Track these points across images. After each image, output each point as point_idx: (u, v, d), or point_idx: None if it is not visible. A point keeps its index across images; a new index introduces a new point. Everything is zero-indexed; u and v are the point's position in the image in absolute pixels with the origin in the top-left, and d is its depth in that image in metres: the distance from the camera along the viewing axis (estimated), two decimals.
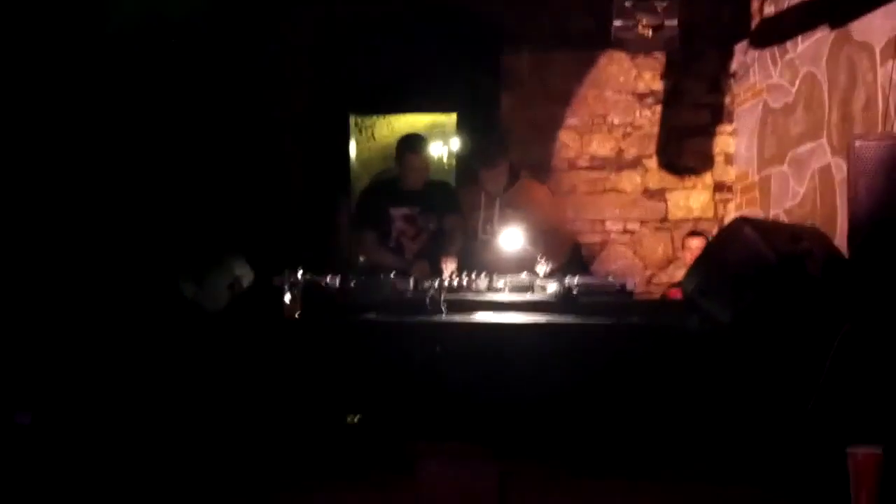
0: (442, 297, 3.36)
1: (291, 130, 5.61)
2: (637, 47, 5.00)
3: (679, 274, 5.22)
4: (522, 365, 3.02)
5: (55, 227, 4.13)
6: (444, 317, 3.31)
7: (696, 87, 5.52)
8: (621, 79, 5.58)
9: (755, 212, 5.05)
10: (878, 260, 2.73)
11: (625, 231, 5.58)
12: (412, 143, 4.54)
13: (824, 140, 4.27)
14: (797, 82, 4.59)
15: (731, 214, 5.34)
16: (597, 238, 5.58)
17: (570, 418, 2.95)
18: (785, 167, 4.74)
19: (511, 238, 3.99)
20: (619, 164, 5.59)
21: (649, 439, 2.87)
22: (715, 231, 5.21)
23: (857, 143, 2.87)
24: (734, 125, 5.48)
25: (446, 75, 5.51)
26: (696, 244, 5.04)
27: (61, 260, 3.92)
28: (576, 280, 3.50)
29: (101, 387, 3.05)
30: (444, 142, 6.87)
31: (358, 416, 3.07)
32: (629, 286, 3.59)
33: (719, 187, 5.53)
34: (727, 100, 5.49)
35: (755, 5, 5.15)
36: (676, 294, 4.61)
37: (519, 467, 2.77)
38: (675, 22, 4.37)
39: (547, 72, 5.57)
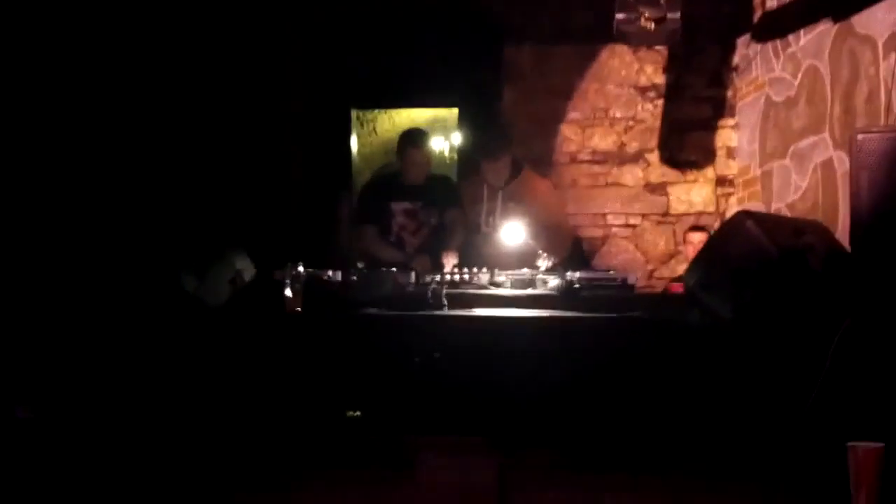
0: (443, 292, 3.36)
1: (293, 125, 5.61)
2: (639, 40, 4.98)
3: (680, 268, 5.21)
4: (523, 359, 3.03)
5: (56, 222, 4.12)
6: (446, 311, 3.31)
7: (697, 81, 5.50)
8: (623, 72, 5.57)
9: (757, 206, 5.04)
10: (879, 254, 2.73)
11: (626, 225, 5.57)
12: (414, 138, 4.53)
13: (826, 134, 4.27)
14: (799, 76, 4.58)
15: (732, 208, 5.33)
16: (598, 232, 5.58)
17: (570, 412, 2.96)
18: (787, 161, 4.73)
19: (512, 232, 3.99)
20: (620, 158, 5.57)
21: (650, 433, 2.87)
22: (716, 225, 5.21)
23: (860, 137, 2.86)
24: (736, 119, 5.47)
25: (448, 69, 5.50)
26: (698, 238, 5.03)
27: (62, 255, 3.92)
28: (577, 274, 3.50)
29: (102, 381, 3.06)
30: (445, 136, 6.86)
31: (358, 412, 3.07)
32: (630, 280, 3.60)
33: (721, 181, 5.52)
34: (729, 93, 5.48)
35: None
36: (678, 288, 4.60)
37: (519, 461, 2.77)
38: (677, 15, 4.36)
39: (548, 66, 5.56)
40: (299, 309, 3.28)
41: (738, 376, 2.83)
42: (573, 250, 4.77)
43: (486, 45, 5.55)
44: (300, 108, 5.65)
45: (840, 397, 2.56)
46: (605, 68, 5.57)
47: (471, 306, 3.37)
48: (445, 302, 3.34)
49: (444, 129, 6.76)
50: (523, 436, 2.89)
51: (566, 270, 3.55)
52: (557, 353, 3.03)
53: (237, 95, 5.31)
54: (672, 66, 5.51)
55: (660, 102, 5.53)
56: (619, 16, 4.41)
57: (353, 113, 6.38)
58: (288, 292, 3.26)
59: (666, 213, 5.55)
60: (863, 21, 3.91)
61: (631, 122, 5.57)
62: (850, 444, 2.27)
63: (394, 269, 3.66)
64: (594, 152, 5.59)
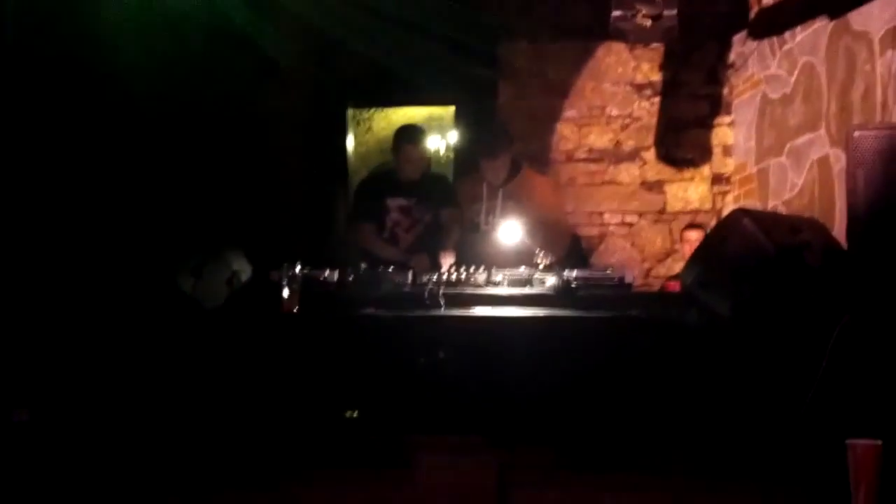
0: (441, 292, 3.35)
1: (289, 124, 5.60)
2: (635, 38, 4.98)
3: (677, 266, 5.21)
4: (521, 358, 3.02)
5: (53, 224, 4.11)
6: (443, 311, 3.30)
7: (694, 78, 5.51)
8: (619, 70, 5.57)
9: (753, 203, 5.04)
10: (877, 250, 2.73)
11: (623, 223, 5.57)
12: (409, 134, 4.53)
13: (823, 131, 4.26)
14: (795, 73, 4.58)
15: (729, 206, 5.33)
16: (595, 231, 5.58)
17: (569, 411, 2.95)
18: (783, 158, 4.73)
19: (510, 230, 3.98)
20: (617, 156, 5.57)
21: (649, 432, 2.87)
22: (713, 223, 5.20)
23: (856, 134, 2.86)
24: (732, 116, 5.47)
25: (444, 68, 5.49)
26: (695, 236, 5.03)
27: (59, 256, 3.90)
28: (574, 273, 3.49)
29: (100, 382, 3.05)
30: (441, 135, 6.86)
31: (357, 412, 3.07)
32: (627, 279, 3.59)
33: (717, 179, 5.52)
34: (725, 91, 5.48)
35: None
36: (675, 287, 4.60)
37: (518, 460, 2.77)
38: (673, 12, 4.36)
39: (545, 63, 5.56)
40: (296, 309, 3.27)
41: (737, 374, 2.83)
42: (572, 248, 4.77)
43: (482, 43, 5.55)
44: (296, 108, 5.64)
45: (839, 394, 2.56)
46: (602, 66, 5.57)
47: (468, 306, 3.36)
48: (443, 302, 3.33)
49: (441, 128, 6.77)
50: (522, 435, 2.88)
51: (565, 268, 3.54)
52: (555, 353, 3.03)
53: (232, 95, 5.30)
54: (668, 64, 5.51)
55: (656, 100, 5.53)
56: (616, 13, 4.41)
57: (349, 112, 6.38)
58: (285, 292, 3.25)
59: (662, 211, 5.56)
60: (859, 18, 3.91)
61: (627, 120, 5.57)
62: (849, 441, 2.27)
63: (391, 268, 3.65)
64: (591, 150, 5.59)
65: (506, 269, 3.63)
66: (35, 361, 3.07)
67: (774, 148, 4.85)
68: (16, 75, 4.09)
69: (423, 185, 4.48)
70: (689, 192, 5.55)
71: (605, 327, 3.13)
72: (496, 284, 3.55)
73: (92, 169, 4.50)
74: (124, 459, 2.86)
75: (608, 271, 3.73)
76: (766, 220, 2.98)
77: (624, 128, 5.57)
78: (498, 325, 3.18)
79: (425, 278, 3.52)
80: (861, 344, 2.61)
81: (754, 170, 5.13)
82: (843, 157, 3.51)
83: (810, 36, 4.40)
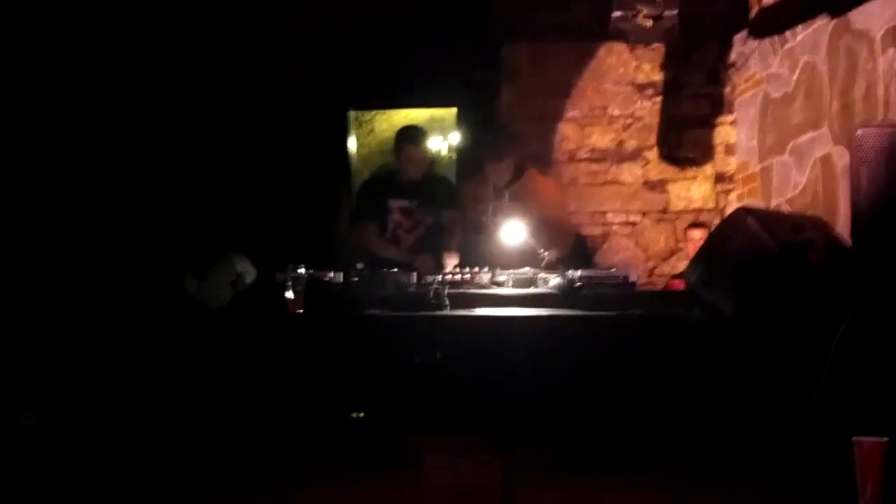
0: (445, 292, 3.36)
1: (291, 126, 5.60)
2: (636, 38, 4.98)
3: (681, 265, 5.22)
4: (525, 358, 3.02)
5: (58, 226, 4.12)
6: (448, 311, 3.31)
7: (695, 78, 5.51)
8: (621, 70, 5.57)
9: (756, 202, 5.04)
10: (880, 248, 2.73)
11: (626, 223, 5.58)
12: (410, 135, 4.53)
13: (825, 129, 4.27)
14: (797, 72, 4.58)
15: (732, 205, 5.33)
16: (598, 230, 5.58)
17: (572, 411, 2.95)
18: (786, 157, 4.73)
19: (514, 231, 3.99)
20: (619, 155, 5.58)
21: (651, 432, 2.87)
22: (716, 222, 5.20)
23: (859, 132, 2.86)
24: (734, 115, 5.47)
25: (445, 69, 5.50)
26: (698, 235, 5.04)
27: (64, 258, 3.91)
28: (578, 273, 3.50)
29: (106, 385, 3.05)
30: (443, 136, 6.87)
31: (362, 413, 3.07)
32: (631, 278, 3.60)
33: (720, 178, 5.52)
34: (727, 90, 5.48)
35: None
36: (678, 285, 4.62)
37: (518, 460, 2.77)
38: (674, 12, 4.37)
39: (546, 64, 5.56)
40: (301, 310, 3.28)
41: (741, 373, 2.83)
42: (576, 247, 4.77)
43: (483, 44, 5.55)
44: (298, 110, 5.65)
45: (844, 392, 2.56)
46: (603, 66, 5.57)
47: (472, 306, 3.37)
48: (447, 302, 3.34)
49: (442, 129, 6.77)
50: (525, 435, 2.89)
51: (569, 268, 3.55)
52: (559, 353, 3.03)
53: (235, 97, 5.31)
54: (670, 64, 5.51)
55: (658, 100, 5.53)
56: (617, 13, 4.42)
57: (351, 113, 6.39)
58: (289, 294, 3.26)
59: (665, 211, 5.56)
60: (859, 17, 3.91)
61: (629, 120, 5.57)
62: (855, 438, 2.27)
63: (396, 269, 3.66)
64: (593, 150, 5.59)
65: (510, 270, 3.64)
66: (41, 364, 3.07)
67: (777, 146, 4.85)
68: (16, 75, 4.10)
69: (425, 187, 4.49)
70: (692, 190, 5.55)
71: (608, 326, 3.13)
72: (500, 285, 3.56)
73: (97, 171, 4.51)
74: (125, 459, 2.86)
75: (612, 270, 3.75)
76: (769, 219, 2.98)
77: (626, 127, 5.57)
78: (501, 325, 3.18)
79: (430, 279, 3.52)
80: (865, 342, 2.61)
81: (757, 168, 5.13)
82: (845, 154, 3.52)
83: (811, 35, 4.41)
